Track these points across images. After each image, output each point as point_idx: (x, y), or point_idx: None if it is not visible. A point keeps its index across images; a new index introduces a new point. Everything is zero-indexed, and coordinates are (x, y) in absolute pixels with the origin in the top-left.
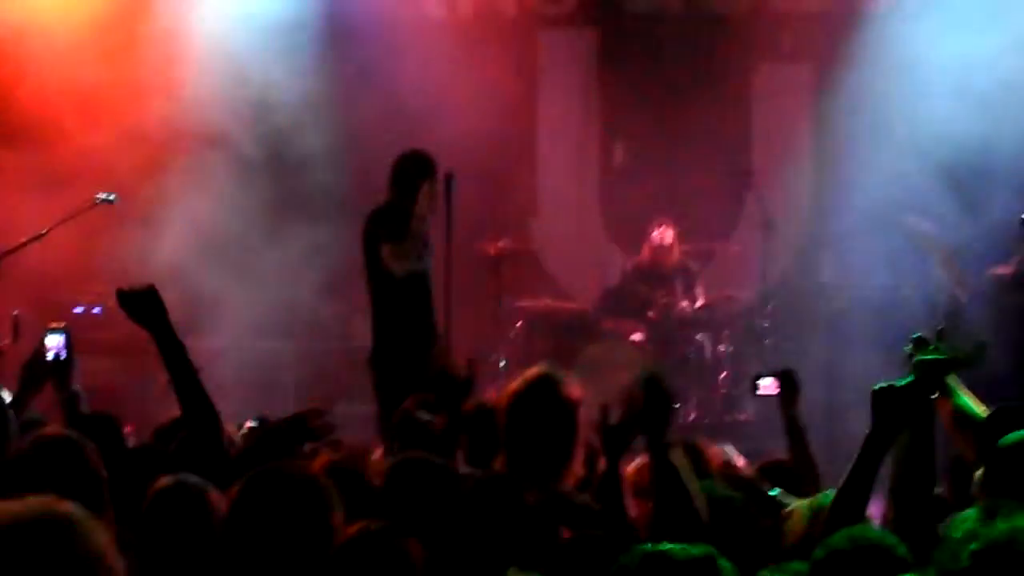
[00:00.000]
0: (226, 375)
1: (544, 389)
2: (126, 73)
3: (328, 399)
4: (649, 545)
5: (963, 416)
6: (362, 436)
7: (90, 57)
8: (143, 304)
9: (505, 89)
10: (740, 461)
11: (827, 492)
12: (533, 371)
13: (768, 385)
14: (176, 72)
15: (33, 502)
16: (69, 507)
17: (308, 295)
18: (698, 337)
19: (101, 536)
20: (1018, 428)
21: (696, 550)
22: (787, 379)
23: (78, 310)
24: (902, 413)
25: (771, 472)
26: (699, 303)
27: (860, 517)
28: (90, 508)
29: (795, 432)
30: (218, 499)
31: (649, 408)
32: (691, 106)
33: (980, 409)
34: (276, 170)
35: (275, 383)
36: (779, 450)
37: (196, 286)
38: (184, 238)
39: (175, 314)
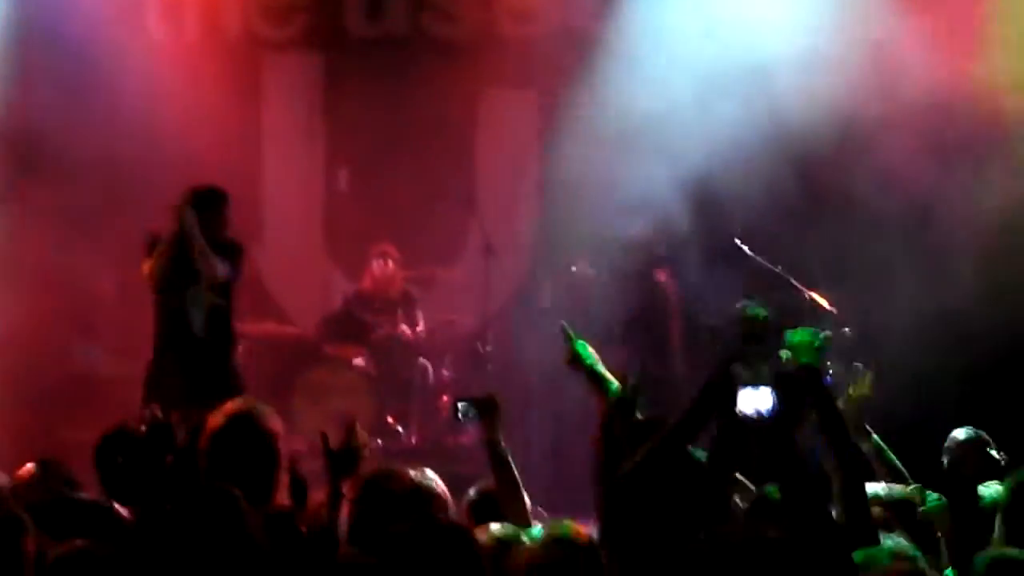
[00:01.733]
0: None
1: (243, 423)
2: None
3: None
4: None
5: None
6: None
7: None
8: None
9: (229, 112)
10: (440, 487)
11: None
12: (232, 405)
13: (467, 411)
14: None
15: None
16: None
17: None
18: (420, 362)
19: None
20: None
21: None
22: (487, 405)
23: None
24: None
25: (482, 505)
26: (420, 328)
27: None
28: None
29: (498, 459)
30: None
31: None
32: (416, 131)
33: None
34: None
35: None
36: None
37: None
38: None
39: None
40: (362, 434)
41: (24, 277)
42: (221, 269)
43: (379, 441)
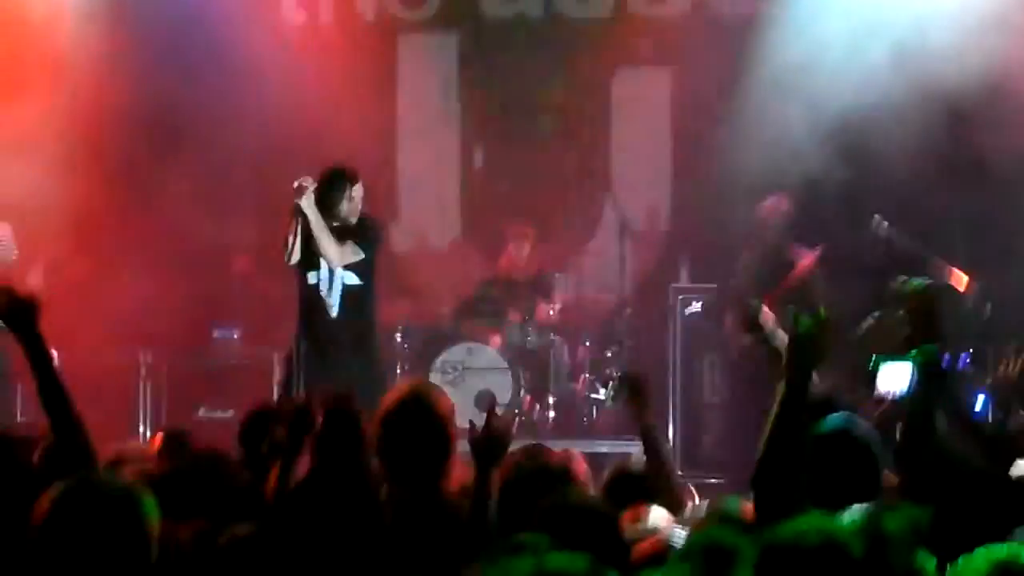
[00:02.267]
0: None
1: (416, 404)
2: None
3: None
4: None
5: None
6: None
7: None
8: (23, 316)
9: (364, 94)
10: (581, 468)
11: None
12: (403, 386)
13: (616, 391)
14: None
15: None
16: None
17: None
18: (557, 341)
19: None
20: None
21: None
22: (636, 386)
23: None
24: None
25: (620, 485)
26: (557, 307)
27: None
28: None
29: (651, 441)
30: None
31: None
32: (551, 110)
33: None
34: None
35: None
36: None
37: None
38: None
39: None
40: (504, 418)
41: (163, 259)
42: (340, 253)
43: (518, 420)
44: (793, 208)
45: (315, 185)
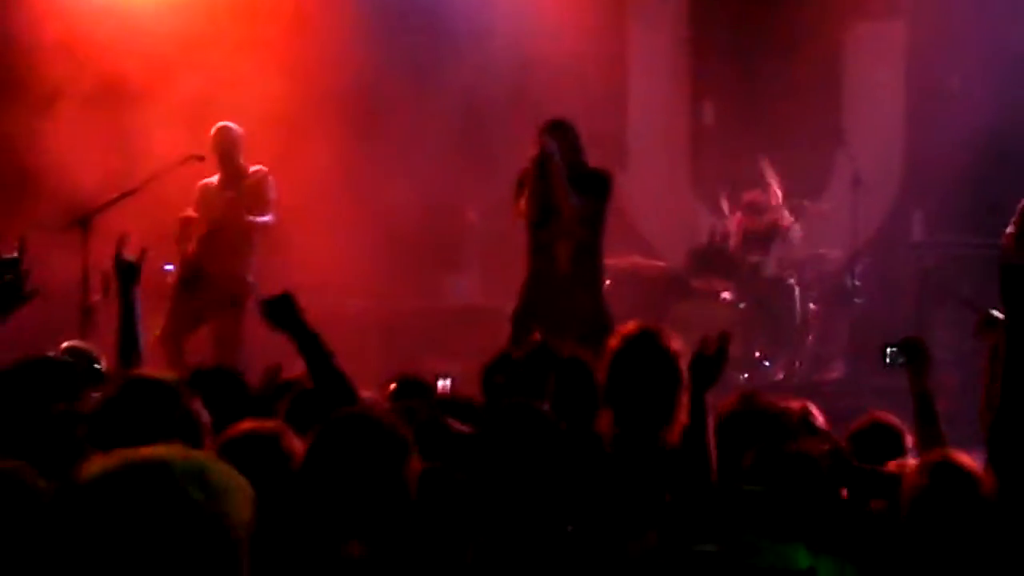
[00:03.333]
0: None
1: (646, 343)
2: None
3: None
4: None
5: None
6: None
7: None
8: (282, 311)
9: (594, 46)
10: (819, 420)
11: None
12: (630, 326)
13: (896, 355)
14: None
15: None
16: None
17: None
18: (789, 296)
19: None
20: None
21: None
22: (916, 350)
23: (168, 267)
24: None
25: (866, 435)
26: (791, 262)
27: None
28: None
29: (925, 408)
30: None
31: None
32: (780, 65)
33: None
34: None
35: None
36: (869, 412)
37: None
38: None
39: None
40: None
41: (388, 212)
42: (578, 203)
43: (746, 375)
44: None
45: (553, 141)
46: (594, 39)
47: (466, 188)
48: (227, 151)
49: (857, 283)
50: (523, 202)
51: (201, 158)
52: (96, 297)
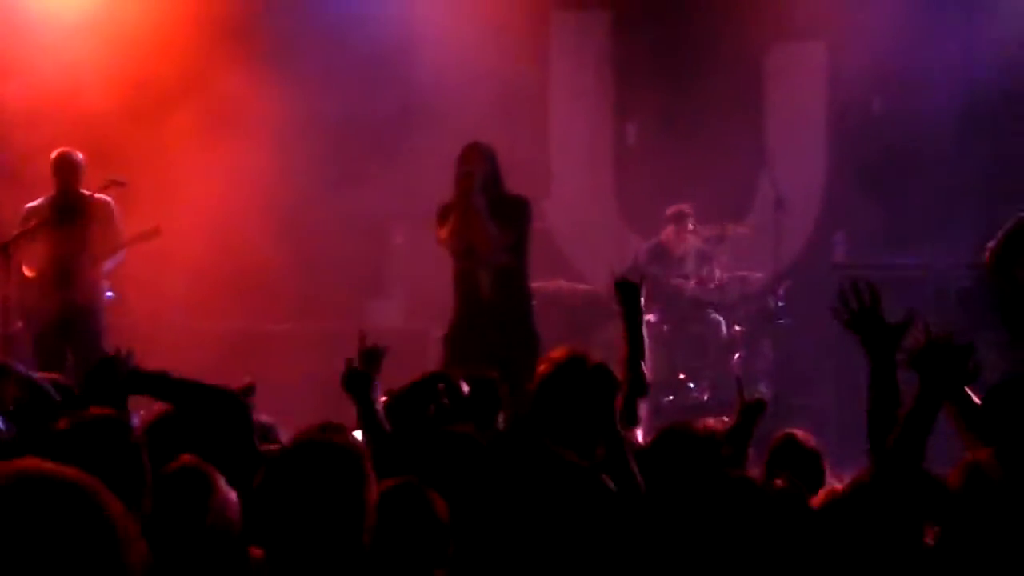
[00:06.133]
0: None
1: (574, 368)
2: None
3: None
4: None
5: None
6: None
7: None
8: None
9: (516, 67)
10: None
11: None
12: (559, 351)
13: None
14: None
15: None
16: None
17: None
18: (713, 317)
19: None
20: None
21: None
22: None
23: (109, 294)
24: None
25: (782, 453)
26: (714, 284)
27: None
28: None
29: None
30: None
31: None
32: (703, 86)
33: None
34: None
35: None
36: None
37: None
38: None
39: None
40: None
41: (313, 233)
42: (496, 233)
43: (670, 397)
44: None
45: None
46: (515, 62)
47: (392, 210)
48: (65, 178)
49: (780, 304)
50: (444, 232)
51: (122, 183)
52: (18, 325)
